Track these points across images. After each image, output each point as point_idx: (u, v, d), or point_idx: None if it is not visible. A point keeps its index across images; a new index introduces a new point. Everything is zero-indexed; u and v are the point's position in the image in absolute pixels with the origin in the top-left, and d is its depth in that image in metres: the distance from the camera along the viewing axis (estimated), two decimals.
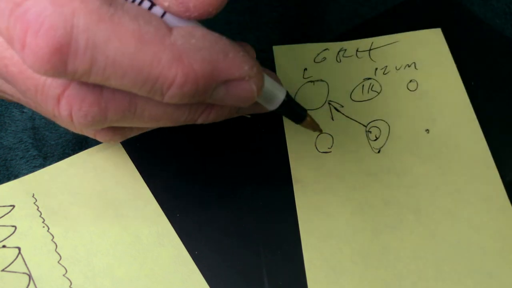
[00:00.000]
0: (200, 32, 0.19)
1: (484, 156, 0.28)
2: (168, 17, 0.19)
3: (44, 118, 0.32)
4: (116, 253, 0.25)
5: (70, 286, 0.24)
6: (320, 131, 0.26)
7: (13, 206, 0.26)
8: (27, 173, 0.28)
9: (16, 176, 0.28)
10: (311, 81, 0.32)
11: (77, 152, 0.29)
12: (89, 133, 0.23)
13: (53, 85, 0.19)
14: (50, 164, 0.28)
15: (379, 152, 0.29)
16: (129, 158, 0.28)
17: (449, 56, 0.32)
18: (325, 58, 0.33)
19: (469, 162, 0.28)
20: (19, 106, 0.32)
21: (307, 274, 0.25)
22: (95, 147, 0.29)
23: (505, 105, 0.32)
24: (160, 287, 0.24)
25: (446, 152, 0.29)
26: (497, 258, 0.25)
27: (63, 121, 0.21)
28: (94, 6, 0.17)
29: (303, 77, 0.32)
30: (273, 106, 0.23)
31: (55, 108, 0.19)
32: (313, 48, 0.33)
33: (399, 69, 0.32)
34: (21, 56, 0.17)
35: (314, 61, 0.33)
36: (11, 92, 0.23)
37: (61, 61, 0.17)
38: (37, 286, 0.24)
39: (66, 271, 0.24)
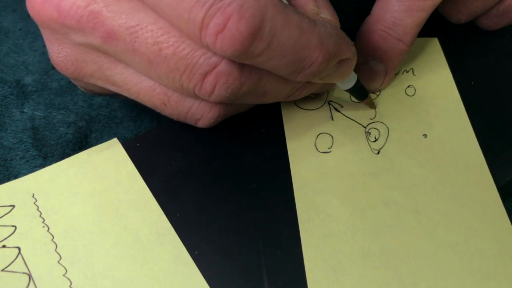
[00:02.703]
0: (329, 23, 0.24)
1: (478, 162, 0.29)
2: None
3: (44, 118, 0.32)
4: (116, 253, 0.25)
5: (70, 286, 0.24)
6: (375, 108, 0.31)
7: (13, 206, 0.26)
8: (27, 173, 0.28)
9: (16, 176, 0.28)
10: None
11: (77, 152, 0.29)
12: (195, 118, 0.26)
13: (205, 63, 0.22)
14: (50, 164, 0.28)
15: (378, 153, 0.29)
16: (129, 158, 0.28)
17: (445, 65, 0.33)
18: None
19: (464, 168, 0.29)
20: (19, 106, 0.32)
21: (307, 274, 0.25)
22: (95, 147, 0.29)
23: (503, 106, 0.32)
24: (160, 287, 0.24)
25: (443, 157, 0.29)
26: (494, 259, 0.26)
27: (195, 93, 0.24)
28: (276, 1, 0.21)
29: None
30: (349, 85, 0.28)
31: (199, 83, 0.23)
32: None
33: (397, 73, 0.33)
34: (210, 40, 0.21)
35: None
36: (124, 82, 0.25)
37: (250, 43, 0.21)
38: (37, 286, 0.24)
39: (66, 271, 0.24)
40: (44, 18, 0.23)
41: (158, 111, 0.27)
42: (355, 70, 0.31)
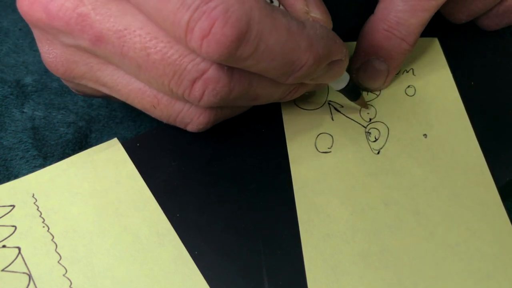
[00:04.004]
0: (318, 24, 0.24)
1: (478, 162, 0.29)
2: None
3: (44, 118, 0.32)
4: (116, 253, 0.25)
5: (70, 286, 0.24)
6: (367, 108, 0.31)
7: (13, 206, 0.26)
8: (27, 173, 0.28)
9: (16, 176, 0.28)
10: None
11: (77, 152, 0.29)
12: (184, 122, 0.26)
13: (193, 69, 0.22)
14: (50, 164, 0.28)
15: (378, 153, 0.29)
16: (129, 158, 0.28)
17: (445, 65, 0.33)
18: None
19: (465, 168, 0.29)
20: (19, 106, 0.32)
21: (307, 274, 0.25)
22: (95, 147, 0.29)
23: (503, 106, 0.32)
24: (160, 287, 0.24)
25: (443, 157, 0.29)
26: (494, 260, 0.26)
27: (185, 98, 0.24)
28: (262, 4, 0.21)
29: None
30: (342, 85, 0.28)
31: (187, 89, 0.23)
32: None
33: (397, 73, 0.33)
34: (196, 45, 0.20)
35: None
36: (114, 84, 0.25)
37: (236, 47, 0.20)
38: (37, 286, 0.24)
39: (66, 271, 0.24)
40: (33, 19, 0.23)
41: (148, 113, 0.26)
42: (356, 69, 0.31)
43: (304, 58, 0.22)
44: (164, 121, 0.27)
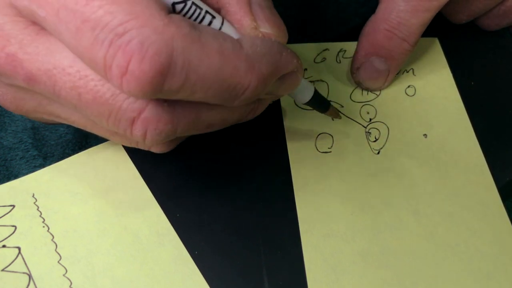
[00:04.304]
0: (259, 39, 0.22)
1: (478, 162, 0.29)
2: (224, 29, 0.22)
3: None
4: (116, 253, 0.25)
5: (70, 286, 0.24)
6: (340, 118, 0.30)
7: (13, 206, 0.26)
8: (27, 173, 0.28)
9: (16, 176, 0.28)
10: (311, 81, 0.32)
11: (77, 152, 0.29)
12: (146, 147, 0.25)
13: (129, 109, 0.21)
14: (50, 164, 0.28)
15: (378, 153, 0.29)
16: (129, 158, 0.28)
17: (445, 65, 0.33)
18: (325, 58, 0.33)
19: (465, 168, 0.29)
20: None
21: (307, 274, 0.25)
22: (95, 147, 0.29)
23: (503, 106, 0.32)
24: (160, 287, 0.24)
25: (443, 157, 0.29)
26: (494, 260, 0.26)
27: (132, 140, 0.23)
28: (186, 30, 0.19)
29: (303, 77, 0.32)
30: (306, 99, 0.27)
31: (128, 129, 0.21)
32: (313, 48, 0.33)
33: (397, 73, 0.33)
34: (117, 83, 0.19)
35: (314, 61, 0.33)
36: (67, 116, 0.24)
37: (160, 82, 0.19)
38: (37, 286, 0.24)
39: (66, 271, 0.24)
40: None
41: (111, 140, 0.25)
42: (357, 69, 0.30)
43: (246, 81, 0.21)
44: (127, 145, 0.25)
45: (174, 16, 0.19)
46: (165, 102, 0.21)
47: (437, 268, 0.25)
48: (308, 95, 0.26)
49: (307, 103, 0.27)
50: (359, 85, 0.32)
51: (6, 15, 0.20)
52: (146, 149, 0.26)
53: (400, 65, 0.31)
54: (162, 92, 0.19)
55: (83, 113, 0.22)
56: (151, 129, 0.21)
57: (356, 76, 0.31)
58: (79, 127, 0.25)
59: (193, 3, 0.21)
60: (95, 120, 0.22)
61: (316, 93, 0.27)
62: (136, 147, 0.25)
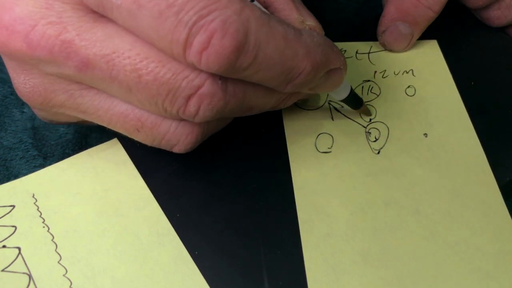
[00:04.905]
0: (316, 32, 0.24)
1: (480, 161, 0.29)
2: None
3: None
4: (116, 253, 0.25)
5: (70, 286, 0.24)
6: (371, 116, 0.31)
7: (13, 206, 0.26)
8: (27, 173, 0.28)
9: (16, 176, 0.28)
10: None
11: (77, 152, 0.29)
12: (170, 145, 0.25)
13: (188, 86, 0.22)
14: (50, 164, 0.28)
15: (378, 153, 0.29)
16: (129, 158, 0.28)
17: (445, 67, 0.33)
18: None
19: (466, 167, 0.29)
20: (19, 106, 0.32)
21: (307, 274, 0.25)
22: (95, 147, 0.29)
23: (503, 106, 0.32)
24: (160, 287, 0.24)
25: (444, 157, 0.29)
26: (495, 259, 0.25)
27: (178, 116, 0.23)
28: (258, 14, 0.21)
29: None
30: (343, 95, 0.28)
31: (182, 106, 0.22)
32: None
33: (397, 74, 0.33)
34: (196, 59, 0.20)
35: None
36: (95, 110, 0.25)
37: (236, 58, 0.21)
38: (37, 286, 0.24)
39: (66, 271, 0.24)
40: (11, 50, 0.22)
41: (131, 137, 0.26)
42: (382, 32, 0.33)
43: (302, 65, 0.23)
44: (149, 144, 0.26)
45: (247, 0, 0.21)
46: (219, 80, 0.22)
47: (437, 268, 0.25)
48: (345, 92, 0.28)
49: (343, 100, 0.29)
50: (384, 46, 0.34)
51: (67, 3, 0.21)
52: (168, 148, 0.26)
53: (423, 30, 0.34)
54: (234, 67, 0.21)
55: (136, 96, 0.23)
56: (205, 104, 0.22)
57: (381, 39, 0.34)
58: (100, 123, 0.25)
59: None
60: (149, 101, 0.23)
61: (352, 91, 0.28)
62: (158, 146, 0.26)
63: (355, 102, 0.30)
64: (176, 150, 0.26)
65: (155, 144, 0.25)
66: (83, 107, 0.24)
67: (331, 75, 0.25)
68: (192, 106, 0.22)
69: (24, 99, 0.25)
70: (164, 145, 0.25)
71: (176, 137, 0.25)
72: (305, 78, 0.23)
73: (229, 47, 0.20)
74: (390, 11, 0.33)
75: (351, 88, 0.28)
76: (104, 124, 0.25)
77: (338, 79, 0.26)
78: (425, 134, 0.30)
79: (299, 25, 0.25)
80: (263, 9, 0.22)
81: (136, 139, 0.26)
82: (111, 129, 0.26)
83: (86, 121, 0.26)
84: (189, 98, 0.22)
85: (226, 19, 0.20)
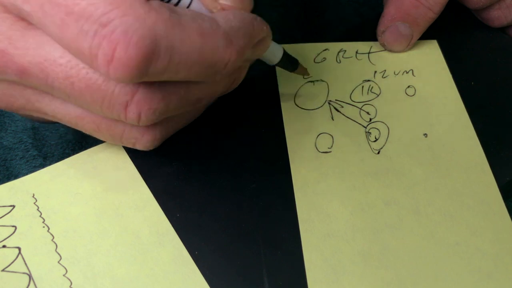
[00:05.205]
0: (231, 13, 0.22)
1: (479, 161, 0.29)
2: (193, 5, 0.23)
3: None
4: (116, 253, 0.25)
5: (70, 286, 0.24)
6: (309, 75, 0.32)
7: (13, 206, 0.26)
8: (27, 173, 0.28)
9: (16, 176, 0.28)
10: (311, 81, 0.32)
11: (77, 152, 0.29)
12: (130, 143, 0.25)
13: (122, 92, 0.21)
14: (50, 164, 0.28)
15: (378, 153, 0.29)
16: (129, 158, 0.28)
17: (445, 67, 0.33)
18: (325, 58, 0.33)
19: (466, 167, 0.29)
20: None
21: (307, 274, 0.25)
22: (95, 147, 0.29)
23: (503, 106, 0.32)
24: (160, 287, 0.24)
25: (444, 157, 0.29)
26: (494, 259, 0.25)
27: (126, 121, 0.23)
28: (166, 15, 0.20)
29: (303, 77, 0.32)
30: (276, 59, 0.28)
31: (122, 113, 0.22)
32: (313, 48, 0.33)
33: (397, 74, 0.33)
34: (104, 71, 0.20)
35: (314, 61, 0.33)
36: (54, 114, 0.25)
37: (146, 66, 0.20)
38: (37, 286, 0.24)
39: (66, 271, 0.25)
40: None
41: (95, 136, 0.26)
42: (382, 32, 0.33)
43: (226, 56, 0.22)
44: (112, 142, 0.26)
45: (153, 2, 0.20)
46: (155, 81, 0.22)
47: (437, 268, 0.25)
48: (278, 56, 0.28)
49: (278, 64, 0.28)
50: (384, 46, 0.34)
51: None
52: (131, 146, 0.26)
53: (423, 31, 0.33)
54: (148, 75, 0.20)
55: (77, 102, 0.22)
56: (145, 109, 0.22)
57: (381, 39, 0.34)
58: (66, 124, 0.25)
59: None
60: (90, 108, 0.23)
61: (285, 53, 0.28)
62: (120, 144, 0.26)
63: (290, 64, 0.29)
64: (138, 147, 0.26)
65: (116, 142, 0.26)
66: (43, 110, 0.24)
67: (257, 45, 0.24)
68: (131, 112, 0.22)
69: None
70: (125, 143, 0.26)
71: (133, 136, 0.25)
72: (233, 65, 0.22)
73: (136, 57, 0.19)
74: (390, 11, 0.33)
75: (284, 51, 0.28)
76: (68, 125, 0.25)
77: (264, 47, 0.25)
78: (425, 134, 0.30)
79: (211, 5, 0.23)
80: (173, 6, 0.21)
81: (99, 138, 0.26)
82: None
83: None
84: (126, 105, 0.22)
85: (127, 28, 0.19)
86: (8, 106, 0.25)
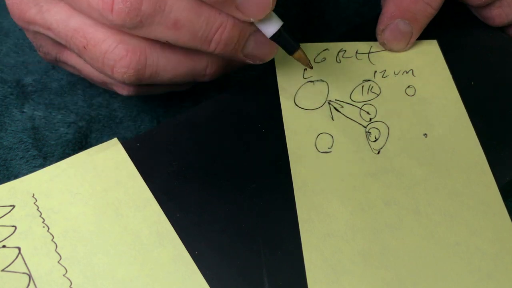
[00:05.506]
0: None
1: (479, 161, 0.29)
2: None
3: (44, 118, 0.32)
4: (116, 253, 0.25)
5: (70, 286, 0.24)
6: (311, 67, 0.30)
7: (13, 206, 0.26)
8: (27, 173, 0.28)
9: (16, 176, 0.28)
10: (311, 81, 0.32)
11: (77, 152, 0.29)
12: (109, 65, 0.27)
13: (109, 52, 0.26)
14: (50, 164, 0.28)
15: (378, 153, 0.29)
16: (129, 158, 0.28)
17: (445, 67, 0.33)
18: (325, 58, 0.33)
19: (466, 167, 0.29)
20: (19, 106, 0.32)
21: (307, 274, 0.25)
22: (95, 147, 0.29)
23: (503, 106, 0.32)
24: (160, 287, 0.24)
25: (444, 157, 0.29)
26: (494, 259, 0.25)
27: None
28: None
29: (303, 77, 0.32)
30: (272, 30, 0.27)
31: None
32: (313, 48, 0.33)
33: (397, 74, 0.33)
34: (107, 18, 0.25)
35: (314, 61, 0.33)
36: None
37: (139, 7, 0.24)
38: (37, 286, 0.24)
39: (66, 271, 0.24)
40: None
41: (81, 55, 0.28)
42: (382, 30, 0.33)
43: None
44: (94, 67, 0.28)
45: None
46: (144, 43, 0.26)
47: (437, 268, 0.25)
48: (274, 26, 0.27)
49: (274, 39, 0.27)
50: (383, 46, 0.34)
51: None
52: (109, 71, 0.27)
53: (423, 28, 0.33)
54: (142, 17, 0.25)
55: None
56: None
57: (381, 37, 0.33)
58: (60, 41, 0.28)
59: None
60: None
61: (282, 29, 0.27)
62: (101, 67, 0.27)
63: (288, 44, 0.28)
64: (116, 74, 0.27)
65: (98, 65, 0.27)
66: (49, 22, 0.27)
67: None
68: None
69: (10, 12, 0.28)
70: (105, 65, 0.27)
71: (113, 56, 0.27)
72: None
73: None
74: (390, 9, 0.33)
75: (282, 25, 0.27)
76: (63, 41, 0.28)
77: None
78: (425, 134, 0.30)
79: None
80: None
81: (83, 58, 0.28)
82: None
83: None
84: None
85: None
86: (21, 14, 0.28)
